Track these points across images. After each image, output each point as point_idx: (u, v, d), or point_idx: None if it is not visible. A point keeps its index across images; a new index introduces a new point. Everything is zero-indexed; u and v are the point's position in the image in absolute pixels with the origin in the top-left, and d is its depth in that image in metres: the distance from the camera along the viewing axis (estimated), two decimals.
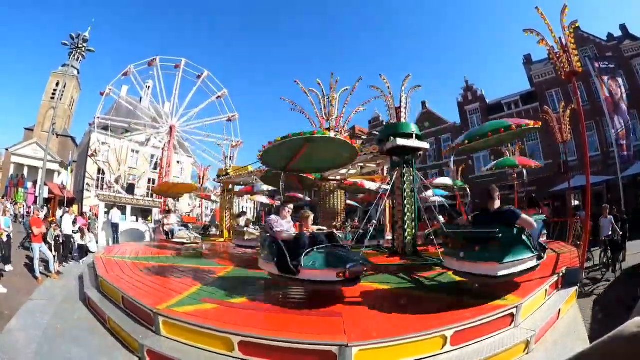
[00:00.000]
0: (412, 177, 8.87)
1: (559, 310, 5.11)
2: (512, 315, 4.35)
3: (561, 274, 6.00)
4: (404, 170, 8.79)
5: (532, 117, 24.36)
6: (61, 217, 12.68)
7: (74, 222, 12.31)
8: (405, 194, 8.71)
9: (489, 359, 3.74)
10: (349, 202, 12.27)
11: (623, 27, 23.41)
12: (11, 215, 12.81)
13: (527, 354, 4.04)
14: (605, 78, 19.14)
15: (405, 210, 8.69)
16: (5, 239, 9.11)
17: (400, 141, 8.65)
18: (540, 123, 6.98)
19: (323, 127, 13.58)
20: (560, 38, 6.26)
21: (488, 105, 28.00)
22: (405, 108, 9.28)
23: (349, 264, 4.84)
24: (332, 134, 7.00)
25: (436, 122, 31.09)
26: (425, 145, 9.18)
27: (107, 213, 17.71)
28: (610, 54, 21.71)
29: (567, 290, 5.78)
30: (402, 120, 9.19)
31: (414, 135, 8.80)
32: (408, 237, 8.69)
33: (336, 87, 13.50)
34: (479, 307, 4.40)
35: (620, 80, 19.40)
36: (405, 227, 8.69)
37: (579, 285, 6.06)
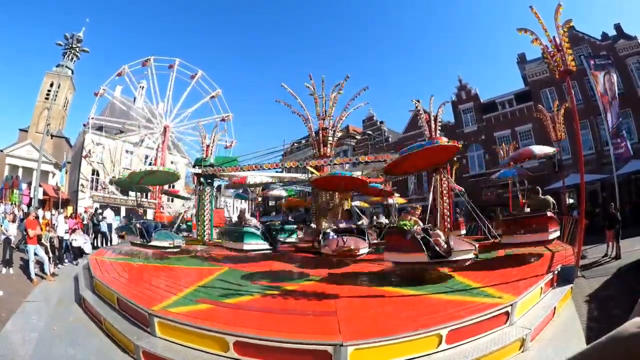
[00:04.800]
0: (211, 194, 13.28)
1: (555, 308, 5.13)
2: (507, 313, 4.36)
3: (556, 272, 6.04)
4: (206, 189, 13.03)
5: (526, 115, 24.50)
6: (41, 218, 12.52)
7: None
8: (205, 204, 12.96)
9: (485, 357, 3.75)
10: None
11: (617, 27, 23.45)
12: (18, 218, 12.69)
13: (522, 352, 4.05)
14: (601, 74, 19.11)
15: (204, 213, 12.88)
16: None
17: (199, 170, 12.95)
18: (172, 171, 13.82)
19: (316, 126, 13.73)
20: (554, 37, 6.28)
21: (482, 104, 27.98)
22: (212, 147, 14.10)
23: None
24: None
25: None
26: (217, 175, 13.31)
27: (100, 214, 17.62)
28: (605, 53, 21.74)
29: (562, 288, 5.81)
30: (209, 155, 13.76)
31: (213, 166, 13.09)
32: (206, 230, 12.78)
33: (334, 87, 13.58)
34: (474, 306, 4.41)
35: (614, 76, 19.36)
36: (204, 224, 12.83)
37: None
